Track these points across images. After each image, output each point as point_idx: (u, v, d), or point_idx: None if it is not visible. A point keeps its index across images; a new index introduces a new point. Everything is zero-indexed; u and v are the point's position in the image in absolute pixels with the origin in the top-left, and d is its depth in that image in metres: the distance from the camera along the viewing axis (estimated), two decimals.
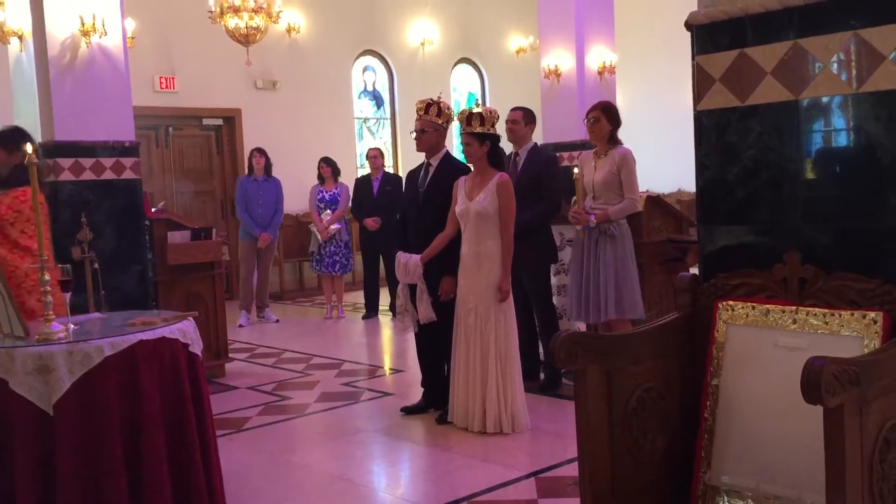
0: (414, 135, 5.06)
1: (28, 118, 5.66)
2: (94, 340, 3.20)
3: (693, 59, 2.86)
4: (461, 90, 13.63)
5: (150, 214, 6.42)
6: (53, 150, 5.58)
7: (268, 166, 9.01)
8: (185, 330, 3.51)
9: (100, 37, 5.61)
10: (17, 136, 4.27)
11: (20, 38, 5.69)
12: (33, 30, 5.54)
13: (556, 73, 8.96)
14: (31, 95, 5.67)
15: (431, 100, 5.04)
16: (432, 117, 4.97)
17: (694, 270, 3.13)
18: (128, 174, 5.89)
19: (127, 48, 5.91)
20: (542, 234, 5.49)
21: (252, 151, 9.15)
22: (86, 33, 5.51)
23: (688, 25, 2.86)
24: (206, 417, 3.56)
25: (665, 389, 2.74)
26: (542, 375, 5.65)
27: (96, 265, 4.81)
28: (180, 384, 3.40)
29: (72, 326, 3.36)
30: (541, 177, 5.45)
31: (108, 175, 5.81)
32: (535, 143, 5.78)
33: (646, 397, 2.68)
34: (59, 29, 5.52)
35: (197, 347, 3.55)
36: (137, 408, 3.22)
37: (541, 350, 5.66)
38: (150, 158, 10.06)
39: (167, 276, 6.17)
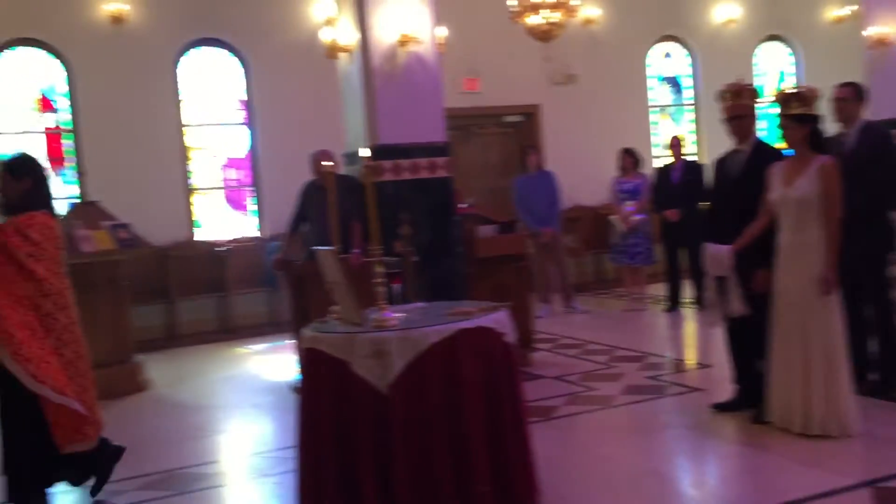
0: (726, 121, 4.82)
1: (355, 125, 6.26)
2: (421, 328, 3.46)
3: None
4: (766, 69, 12.78)
5: (460, 210, 6.79)
6: (377, 152, 6.10)
7: (541, 161, 9.09)
8: (501, 320, 3.67)
9: (416, 46, 6.03)
10: (24, 162, 4.27)
11: (349, 53, 6.29)
12: (360, 45, 6.10)
13: (884, 42, 8.08)
14: (357, 104, 6.26)
15: (742, 83, 4.78)
16: (746, 101, 4.71)
17: None
18: (440, 172, 6.28)
19: (439, 55, 6.30)
20: (877, 220, 4.98)
21: (526, 148, 9.30)
22: (403, 43, 5.95)
23: None
24: (519, 404, 3.70)
25: None
26: (870, 376, 5.13)
27: (415, 258, 5.19)
28: (497, 371, 3.56)
29: (401, 315, 3.65)
30: (876, 157, 4.94)
31: (423, 174, 6.24)
32: (867, 121, 5.25)
33: None
34: (382, 42, 6.03)
35: (511, 337, 3.71)
36: (459, 392, 3.43)
37: (870, 349, 5.14)
38: (455, 157, 10.62)
39: (476, 268, 6.48)
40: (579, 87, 11.38)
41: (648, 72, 12.13)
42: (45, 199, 4.20)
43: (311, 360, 3.62)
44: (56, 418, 3.95)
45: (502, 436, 3.51)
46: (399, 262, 4.01)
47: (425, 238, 6.11)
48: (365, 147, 5.93)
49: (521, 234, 6.72)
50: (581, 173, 9.45)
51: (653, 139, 12.01)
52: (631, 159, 9.00)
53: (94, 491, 4.32)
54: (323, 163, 5.97)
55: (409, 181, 6.16)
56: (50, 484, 4.21)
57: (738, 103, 4.73)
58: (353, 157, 6.78)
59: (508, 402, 3.58)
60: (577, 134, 10.79)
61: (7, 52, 8.97)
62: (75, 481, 4.31)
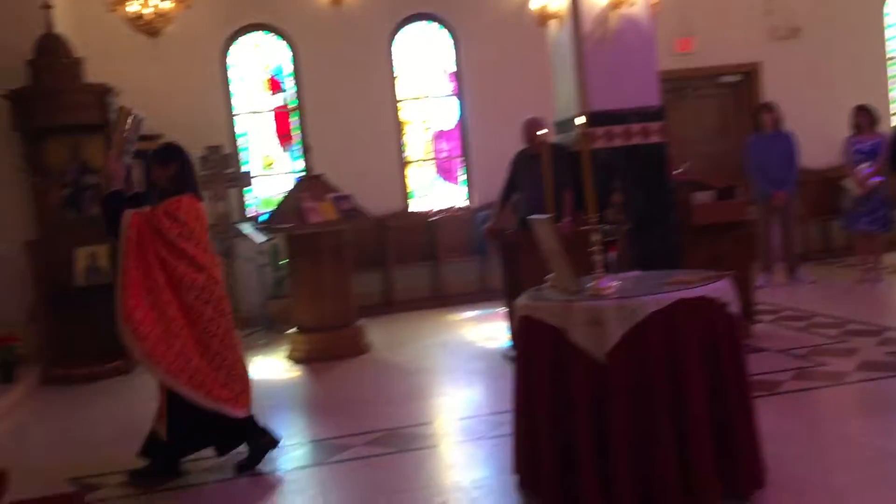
0: None
1: (566, 92, 6.19)
2: (639, 297, 3.39)
3: None
4: None
5: (674, 176, 6.55)
6: (589, 120, 6.01)
7: (778, 121, 8.52)
8: (723, 289, 3.52)
9: (628, 8, 5.85)
10: (169, 150, 4.58)
11: (559, 19, 6.22)
12: (571, 10, 6.01)
13: None
14: (568, 71, 6.18)
15: None
16: None
17: None
18: (654, 138, 6.09)
19: (652, 15, 6.07)
20: None
21: (759, 107, 8.76)
22: (616, 6, 5.80)
23: None
24: (743, 377, 3.53)
25: None
26: None
27: (628, 226, 5.08)
28: (719, 342, 3.42)
29: (618, 283, 3.59)
30: None
31: (636, 140, 6.08)
32: None
33: None
34: (593, 6, 5.90)
35: (734, 307, 3.54)
36: (679, 362, 3.33)
37: None
38: (668, 121, 10.23)
39: (691, 236, 6.24)
40: (805, 41, 10.55)
41: (887, 20, 11.01)
42: (190, 182, 4.51)
43: (526, 327, 3.65)
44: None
45: (726, 409, 3.38)
46: (614, 229, 3.93)
47: (638, 206, 5.96)
48: (575, 114, 5.85)
49: (741, 200, 6.37)
50: (806, 134, 8.77)
51: (891, 94, 10.93)
52: (867, 117, 8.27)
53: (243, 467, 4.51)
54: (537, 132, 5.97)
55: (621, 148, 6.02)
56: (190, 450, 4.52)
57: None
58: (563, 125, 6.72)
59: (732, 374, 3.43)
60: (803, 92, 10.03)
61: (242, 38, 9.70)
62: (221, 450, 4.55)
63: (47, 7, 7.39)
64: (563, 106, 6.67)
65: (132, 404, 6.20)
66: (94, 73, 7.75)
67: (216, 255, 4.55)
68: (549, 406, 3.47)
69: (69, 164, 7.60)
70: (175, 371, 4.21)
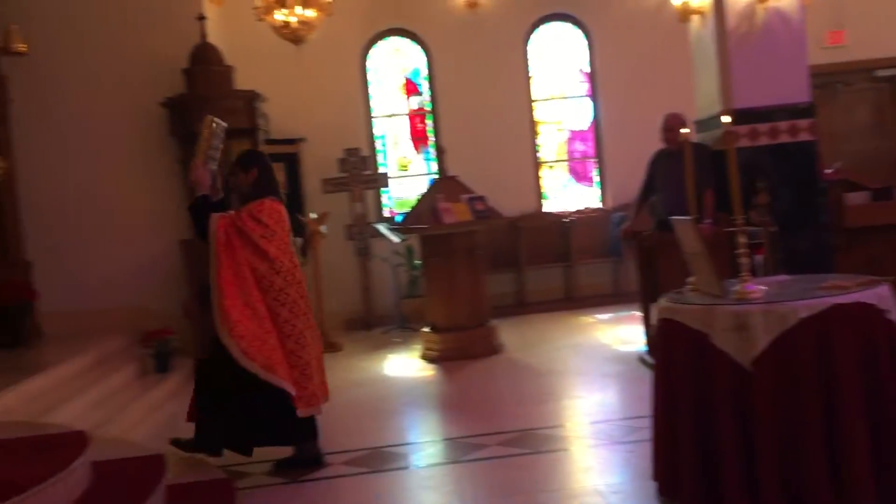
0: None
1: (708, 90, 6.00)
2: (788, 302, 3.24)
3: None
4: None
5: (825, 176, 6.23)
6: (733, 118, 5.80)
7: None
8: (883, 295, 3.32)
9: (776, 2, 5.61)
10: (251, 156, 4.84)
11: (701, 15, 6.04)
12: (715, 5, 5.82)
13: None
14: (710, 68, 5.99)
15: None
16: None
17: None
18: (803, 136, 5.82)
19: (802, 8, 5.80)
20: None
21: None
22: (763, 0, 5.57)
23: None
24: None
25: None
26: None
27: (774, 228, 4.87)
28: (878, 353, 3.22)
29: (764, 288, 3.45)
30: None
31: (784, 138, 5.82)
32: None
33: None
34: (737, 0, 5.69)
35: (894, 314, 3.33)
36: (832, 371, 3.16)
37: None
38: (818, 118, 9.74)
39: (845, 239, 5.91)
40: None
41: None
42: (271, 186, 4.65)
43: (667, 330, 3.57)
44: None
45: (885, 423, 3.17)
46: (761, 231, 3.78)
47: (785, 207, 5.71)
48: (718, 112, 5.66)
49: None
50: None
51: None
52: None
53: (280, 465, 4.61)
54: (679, 129, 5.82)
55: (766, 146, 5.77)
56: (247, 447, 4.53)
57: None
58: (705, 124, 6.52)
59: (892, 386, 3.22)
60: None
61: (380, 43, 9.95)
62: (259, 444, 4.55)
63: (202, 18, 7.83)
64: (704, 104, 6.46)
65: None
66: (241, 80, 8.15)
67: (295, 256, 4.70)
68: (690, 411, 3.38)
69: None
70: (271, 365, 4.35)
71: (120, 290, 7.95)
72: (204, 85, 7.80)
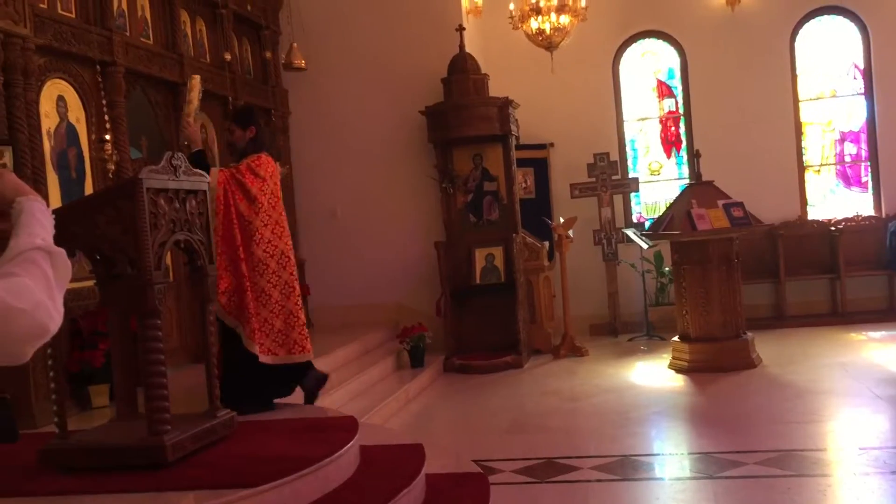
0: None
1: None
2: None
3: None
4: None
5: None
6: None
7: None
8: None
9: None
10: (248, 113, 5.03)
11: None
12: None
13: None
14: None
15: None
16: None
17: None
18: None
19: None
20: None
21: None
22: None
23: None
24: None
25: None
26: None
27: None
28: None
29: None
30: None
31: None
32: None
33: None
34: None
35: None
36: None
37: None
38: None
39: None
40: None
41: None
42: (266, 143, 4.94)
43: None
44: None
45: None
46: None
47: None
48: None
49: None
50: None
51: None
52: None
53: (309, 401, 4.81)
54: None
55: None
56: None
57: None
58: None
59: None
60: None
61: (632, 46, 9.79)
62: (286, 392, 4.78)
63: (461, 29, 8.17)
64: None
65: (522, 398, 6.61)
66: (495, 87, 8.39)
67: (283, 210, 4.83)
68: None
69: (472, 171, 8.34)
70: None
71: (381, 288, 8.53)
72: (460, 93, 8.14)
